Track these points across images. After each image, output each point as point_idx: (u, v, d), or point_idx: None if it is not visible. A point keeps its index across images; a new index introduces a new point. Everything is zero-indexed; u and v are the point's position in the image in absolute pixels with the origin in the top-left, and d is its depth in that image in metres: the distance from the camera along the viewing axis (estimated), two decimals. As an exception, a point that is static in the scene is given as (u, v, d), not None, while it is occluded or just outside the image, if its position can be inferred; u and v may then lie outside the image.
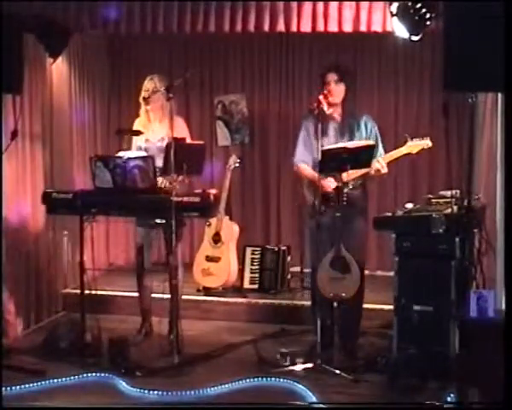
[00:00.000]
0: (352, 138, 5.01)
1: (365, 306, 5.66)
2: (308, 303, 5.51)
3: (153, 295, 5.49)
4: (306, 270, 6.18)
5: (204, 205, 4.79)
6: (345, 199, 4.85)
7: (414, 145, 4.99)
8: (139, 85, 5.38)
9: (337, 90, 5.01)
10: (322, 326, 4.91)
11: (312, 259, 5.21)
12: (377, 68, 7.11)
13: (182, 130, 5.20)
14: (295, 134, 5.38)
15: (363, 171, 4.94)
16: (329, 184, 4.94)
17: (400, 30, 4.94)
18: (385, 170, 4.98)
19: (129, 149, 5.35)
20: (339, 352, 4.81)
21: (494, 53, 3.71)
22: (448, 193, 4.84)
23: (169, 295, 5.03)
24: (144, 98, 5.27)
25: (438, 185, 6.20)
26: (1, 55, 4.39)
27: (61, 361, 4.89)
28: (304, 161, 5.14)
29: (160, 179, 4.99)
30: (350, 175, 4.87)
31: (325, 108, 4.93)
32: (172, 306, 5.05)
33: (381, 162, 4.94)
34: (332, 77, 5.00)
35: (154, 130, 5.32)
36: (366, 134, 5.06)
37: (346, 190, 4.89)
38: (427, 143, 5.02)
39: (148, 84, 5.28)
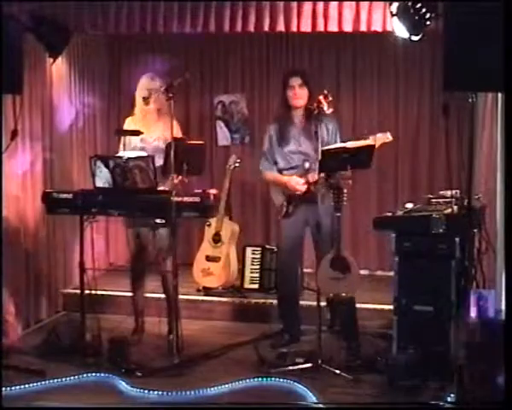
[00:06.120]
0: (311, 142, 5.02)
1: (365, 306, 5.69)
2: (307, 303, 5.52)
3: (153, 295, 5.48)
4: (306, 270, 6.18)
5: (204, 205, 4.79)
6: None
7: (377, 139, 4.96)
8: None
9: (301, 94, 5.08)
10: (289, 324, 5.30)
11: (281, 258, 5.36)
12: (377, 68, 7.09)
13: (177, 131, 5.17)
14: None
15: None
16: (299, 186, 5.04)
17: (400, 30, 4.94)
18: None
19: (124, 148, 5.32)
20: (342, 352, 4.86)
21: (494, 53, 3.71)
22: (448, 193, 4.85)
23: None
24: (144, 98, 5.25)
25: (438, 185, 6.19)
26: (1, 55, 4.38)
27: (61, 361, 4.89)
28: (270, 168, 5.28)
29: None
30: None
31: (325, 107, 4.94)
32: (172, 306, 5.07)
33: None
34: (296, 81, 5.08)
35: (149, 130, 5.25)
36: (328, 137, 5.06)
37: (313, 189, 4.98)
38: (387, 136, 5.00)
39: (149, 84, 5.24)
